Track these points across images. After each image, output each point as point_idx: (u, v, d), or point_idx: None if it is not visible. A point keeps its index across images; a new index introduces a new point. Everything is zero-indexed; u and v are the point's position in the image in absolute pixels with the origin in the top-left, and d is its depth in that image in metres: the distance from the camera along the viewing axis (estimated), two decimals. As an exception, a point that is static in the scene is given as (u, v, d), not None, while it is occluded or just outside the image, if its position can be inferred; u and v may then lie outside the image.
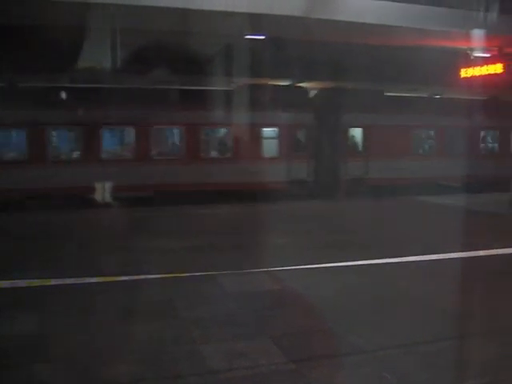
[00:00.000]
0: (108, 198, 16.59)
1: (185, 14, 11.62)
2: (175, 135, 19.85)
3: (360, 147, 22.12)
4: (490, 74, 15.91)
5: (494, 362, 4.97)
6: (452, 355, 5.12)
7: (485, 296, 6.66)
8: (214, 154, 20.11)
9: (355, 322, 5.94)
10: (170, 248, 9.51)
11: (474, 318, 5.99)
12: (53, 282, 7.37)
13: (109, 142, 19.03)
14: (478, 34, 13.80)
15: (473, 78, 16.53)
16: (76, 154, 18.56)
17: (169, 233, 11.13)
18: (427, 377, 4.73)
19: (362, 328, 5.72)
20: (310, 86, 23.77)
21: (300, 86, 23.77)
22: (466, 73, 16.71)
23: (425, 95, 24.74)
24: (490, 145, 24.21)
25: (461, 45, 14.99)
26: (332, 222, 13.16)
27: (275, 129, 20.28)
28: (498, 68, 15.84)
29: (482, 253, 9.22)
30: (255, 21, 12.40)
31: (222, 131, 20.27)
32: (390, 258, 8.75)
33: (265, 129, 20.30)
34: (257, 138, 19.85)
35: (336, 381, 4.76)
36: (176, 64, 17.33)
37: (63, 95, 18.04)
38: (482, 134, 24.03)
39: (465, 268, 8.07)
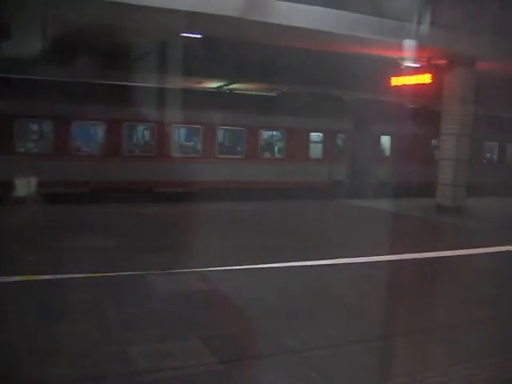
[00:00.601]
0: (33, 194, 15.93)
1: (120, 7, 11.32)
2: (98, 131, 19.33)
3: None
4: (418, 84, 16.51)
5: (414, 362, 5.13)
6: (375, 355, 5.23)
7: (407, 298, 6.90)
8: (139, 151, 19.77)
9: (285, 322, 5.97)
10: (99, 247, 9.25)
11: (396, 319, 6.17)
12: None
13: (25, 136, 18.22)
14: (409, 45, 14.27)
15: (403, 86, 17.08)
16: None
17: (99, 231, 10.83)
18: (352, 376, 4.81)
19: (292, 328, 5.76)
20: (241, 88, 23.81)
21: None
22: (396, 81, 17.24)
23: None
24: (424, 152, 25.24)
25: (392, 54, 15.42)
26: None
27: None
28: (426, 78, 16.47)
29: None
30: (191, 19, 12.26)
31: (147, 128, 19.96)
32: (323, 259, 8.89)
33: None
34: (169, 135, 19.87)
35: (264, 381, 4.74)
36: (105, 58, 16.92)
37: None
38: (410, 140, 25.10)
39: (397, 270, 8.38)
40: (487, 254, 10.28)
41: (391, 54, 15.52)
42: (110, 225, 11.93)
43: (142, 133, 20.12)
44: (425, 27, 13.80)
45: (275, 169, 20.67)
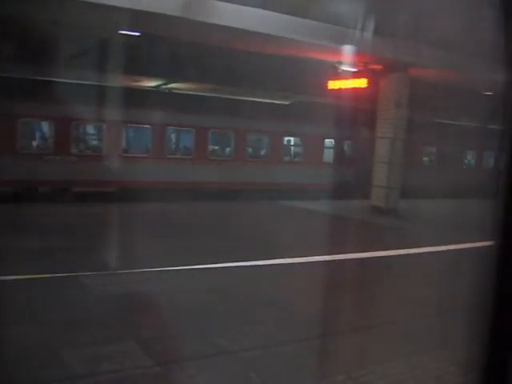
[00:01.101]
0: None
1: (55, 1, 11.04)
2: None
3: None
4: (355, 88, 16.95)
5: (347, 361, 5.26)
6: (309, 355, 5.33)
7: (341, 297, 7.03)
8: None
9: (221, 323, 5.99)
10: (32, 248, 8.95)
11: (328, 319, 6.29)
12: None
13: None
14: (346, 50, 14.65)
15: (340, 90, 17.47)
16: None
17: (34, 232, 10.44)
18: (288, 375, 4.89)
19: (228, 329, 5.79)
20: (180, 88, 23.67)
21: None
22: (333, 85, 17.63)
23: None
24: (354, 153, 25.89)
25: (331, 58, 15.76)
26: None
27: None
28: (362, 83, 16.93)
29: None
30: (131, 17, 12.09)
31: (84, 126, 19.63)
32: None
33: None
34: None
35: (201, 382, 4.75)
36: (42, 54, 16.37)
37: None
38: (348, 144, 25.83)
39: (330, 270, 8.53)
40: (414, 254, 10.58)
41: (329, 57, 15.83)
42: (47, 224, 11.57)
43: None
44: (361, 33, 14.14)
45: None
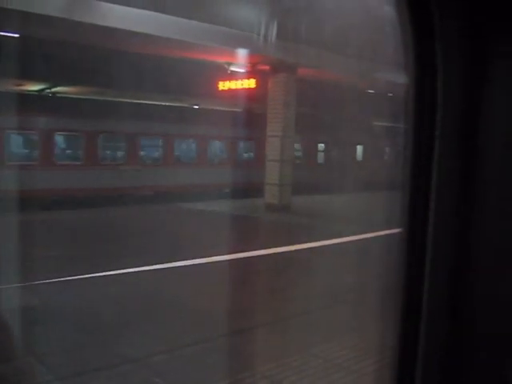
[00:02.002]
0: None
1: None
2: None
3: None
4: (247, 89, 17.23)
5: (254, 357, 5.36)
6: (213, 355, 5.36)
7: (242, 296, 7.12)
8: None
9: (124, 331, 5.86)
10: None
11: (230, 319, 6.35)
12: None
13: None
14: (236, 51, 14.85)
15: (231, 90, 17.69)
16: None
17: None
18: (194, 377, 4.89)
19: (131, 337, 5.67)
20: (67, 91, 22.84)
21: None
22: (223, 86, 17.81)
23: (186, 105, 25.63)
24: (247, 153, 26.27)
25: (221, 59, 15.89)
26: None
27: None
28: (251, 83, 17.25)
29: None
30: (6, 17, 11.45)
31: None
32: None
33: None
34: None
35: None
36: None
37: None
38: (241, 144, 26.14)
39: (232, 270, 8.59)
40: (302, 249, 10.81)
41: (218, 59, 15.95)
42: None
43: None
44: (250, 35, 14.37)
45: None
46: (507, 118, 1.12)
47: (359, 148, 30.21)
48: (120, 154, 22.35)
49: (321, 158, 29.36)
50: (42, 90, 22.49)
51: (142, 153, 23.12)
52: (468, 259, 1.16)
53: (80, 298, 7.08)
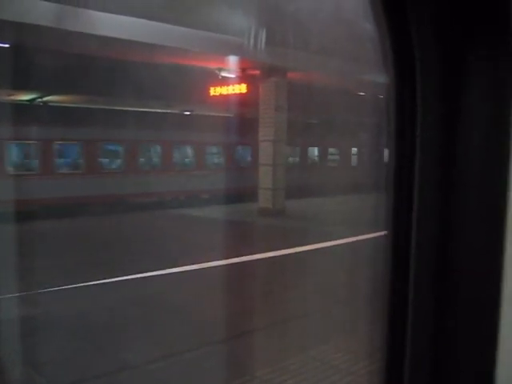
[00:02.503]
0: None
1: None
2: None
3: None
4: (237, 93, 17.28)
5: (252, 361, 5.36)
6: (212, 359, 5.36)
7: (241, 300, 7.12)
8: None
9: (123, 337, 5.86)
10: None
11: (225, 324, 6.35)
12: None
13: None
14: (226, 57, 14.91)
15: (222, 96, 17.73)
16: None
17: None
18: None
19: (131, 343, 5.67)
20: (59, 100, 22.77)
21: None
22: (214, 91, 17.85)
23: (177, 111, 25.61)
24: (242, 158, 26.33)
25: (212, 65, 15.92)
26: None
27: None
28: (242, 88, 17.30)
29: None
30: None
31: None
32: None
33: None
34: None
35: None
36: None
37: None
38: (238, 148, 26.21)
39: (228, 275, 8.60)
40: (300, 252, 10.78)
41: (209, 64, 15.97)
42: None
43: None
44: (239, 40, 14.39)
45: None
46: (486, 121, 1.14)
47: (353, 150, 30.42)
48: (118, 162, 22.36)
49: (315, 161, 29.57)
50: (33, 99, 22.44)
51: (139, 160, 23.19)
52: (451, 261, 1.19)
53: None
